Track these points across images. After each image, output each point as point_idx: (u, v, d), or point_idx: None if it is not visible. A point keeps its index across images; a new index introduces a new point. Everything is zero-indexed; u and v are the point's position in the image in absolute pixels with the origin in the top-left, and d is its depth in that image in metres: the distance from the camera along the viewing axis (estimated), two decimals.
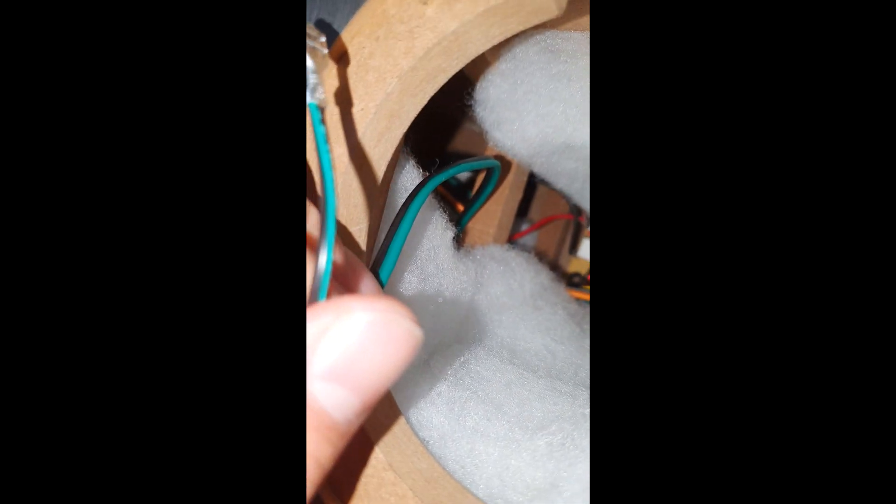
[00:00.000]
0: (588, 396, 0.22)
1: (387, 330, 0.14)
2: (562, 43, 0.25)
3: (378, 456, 0.18)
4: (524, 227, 0.41)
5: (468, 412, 0.21)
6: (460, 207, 0.35)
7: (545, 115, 0.26)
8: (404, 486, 0.17)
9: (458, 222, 0.32)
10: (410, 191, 0.25)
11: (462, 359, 0.24)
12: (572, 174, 0.30)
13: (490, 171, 0.29)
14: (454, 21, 0.17)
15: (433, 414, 0.21)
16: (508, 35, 0.18)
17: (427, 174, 0.25)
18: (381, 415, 0.19)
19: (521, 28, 0.18)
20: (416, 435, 0.20)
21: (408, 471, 0.18)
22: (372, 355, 0.14)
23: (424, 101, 0.19)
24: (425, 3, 0.18)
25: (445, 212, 0.29)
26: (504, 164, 0.31)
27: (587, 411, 0.20)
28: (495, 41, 0.18)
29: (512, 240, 0.38)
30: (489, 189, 0.31)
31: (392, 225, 0.21)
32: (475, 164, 0.28)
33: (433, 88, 0.19)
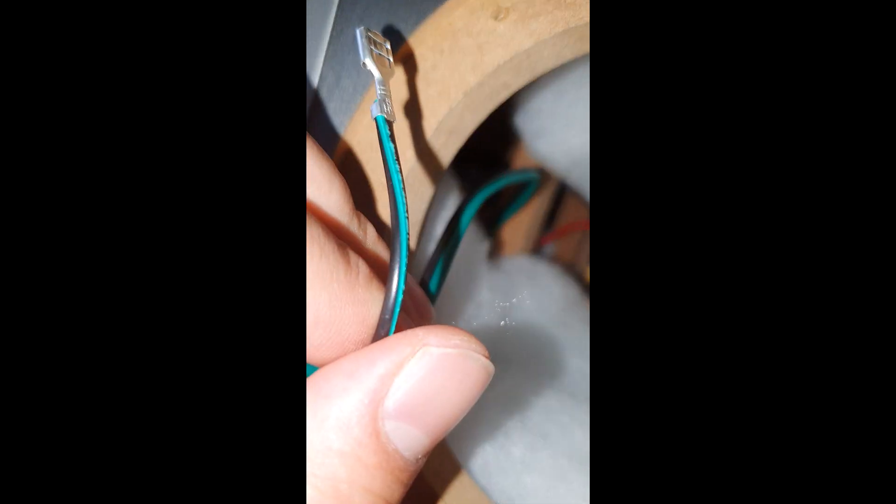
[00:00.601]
0: None
1: (463, 365, 0.13)
2: None
3: (427, 489, 0.17)
4: (545, 232, 0.41)
5: (511, 441, 0.20)
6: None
7: (587, 129, 0.25)
8: None
9: (486, 231, 0.32)
10: (453, 205, 0.24)
11: (499, 381, 0.23)
12: None
13: (526, 185, 0.29)
14: (529, 39, 0.16)
15: (477, 441, 0.20)
16: (579, 55, 0.17)
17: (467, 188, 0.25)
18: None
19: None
20: (463, 465, 0.19)
21: (456, 499, 0.17)
22: (446, 392, 0.13)
23: (484, 117, 0.18)
24: (497, 19, 0.17)
25: (479, 222, 0.28)
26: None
27: None
28: (565, 60, 0.17)
29: (541, 244, 0.37)
30: (523, 201, 0.30)
31: (442, 240, 0.20)
32: (519, 178, 0.27)
33: (494, 105, 0.18)
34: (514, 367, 0.25)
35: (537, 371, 0.25)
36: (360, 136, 0.18)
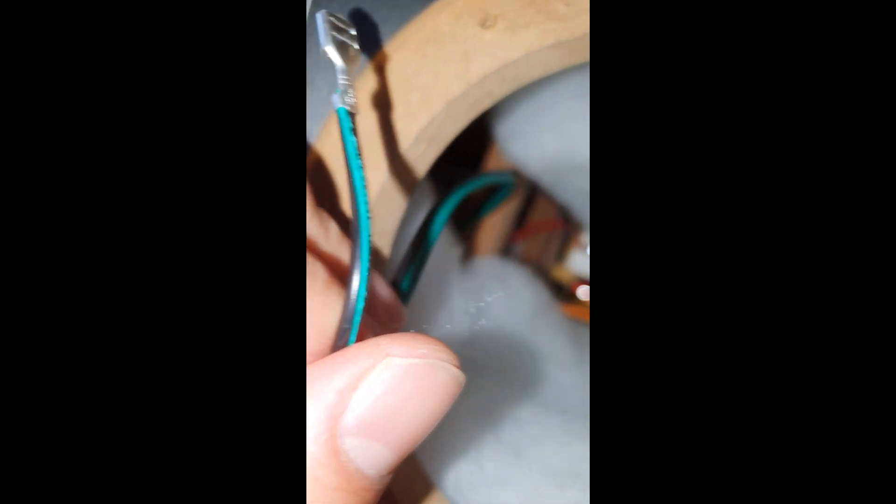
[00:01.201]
0: None
1: (429, 376, 0.12)
2: None
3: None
4: (515, 231, 0.40)
5: (483, 454, 0.20)
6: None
7: (567, 134, 0.25)
8: None
9: (462, 226, 0.31)
10: (427, 206, 0.23)
11: (471, 392, 0.23)
12: (580, 191, 0.30)
13: (500, 189, 0.28)
14: (518, 50, 0.16)
15: (450, 456, 0.20)
16: (567, 67, 0.17)
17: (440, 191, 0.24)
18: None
19: (581, 62, 0.17)
20: (433, 479, 0.19)
21: None
22: (412, 405, 0.12)
23: (465, 125, 0.18)
24: (484, 26, 0.16)
25: (452, 225, 0.27)
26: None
27: None
28: (553, 71, 0.17)
29: (513, 243, 0.37)
30: (496, 204, 0.29)
31: (415, 241, 0.19)
32: (493, 180, 0.27)
33: (476, 113, 0.18)
34: (486, 375, 0.25)
35: (509, 380, 0.25)
36: (335, 135, 0.16)
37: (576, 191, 0.30)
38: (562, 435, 0.21)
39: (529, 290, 0.31)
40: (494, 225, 0.33)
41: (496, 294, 0.28)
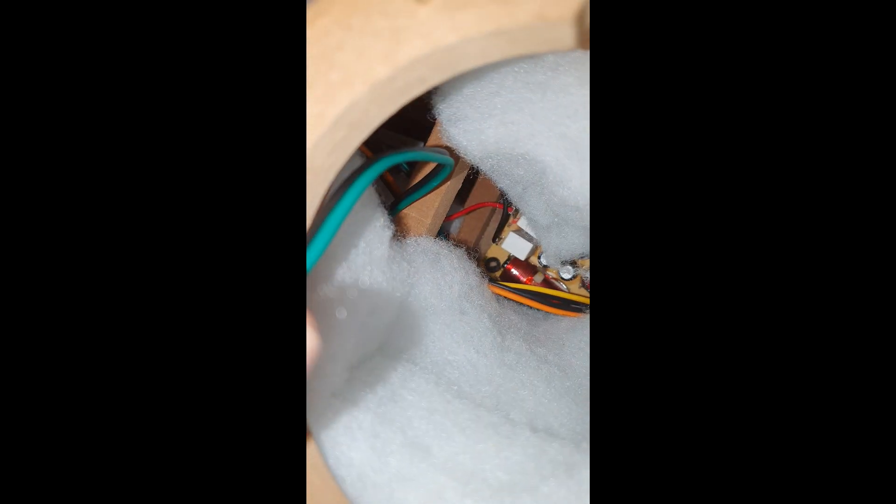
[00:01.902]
0: (512, 432, 0.22)
1: None
2: (546, 52, 0.22)
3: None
4: (456, 209, 0.40)
5: (390, 449, 0.19)
6: (398, 190, 0.32)
7: (509, 124, 0.24)
8: None
9: (391, 209, 0.30)
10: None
11: (385, 380, 0.22)
12: (517, 179, 0.29)
13: (437, 170, 0.27)
14: (453, 34, 0.14)
15: (351, 450, 0.19)
16: (507, 57, 0.15)
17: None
18: None
19: (525, 53, 0.15)
20: (333, 472, 0.18)
21: None
22: None
23: (393, 112, 0.16)
24: (420, 1, 0.14)
25: (385, 205, 0.26)
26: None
27: (514, 457, 0.20)
28: (491, 61, 0.15)
29: (445, 220, 0.36)
30: (434, 185, 0.28)
31: (330, 201, 0.18)
32: (429, 157, 0.25)
33: (406, 99, 0.16)
34: (400, 362, 0.24)
35: (423, 366, 0.24)
36: None
37: (513, 179, 0.29)
38: (472, 430, 0.21)
39: (460, 272, 0.30)
40: (433, 203, 0.32)
41: (425, 275, 0.28)
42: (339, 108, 0.15)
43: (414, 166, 0.33)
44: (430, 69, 0.15)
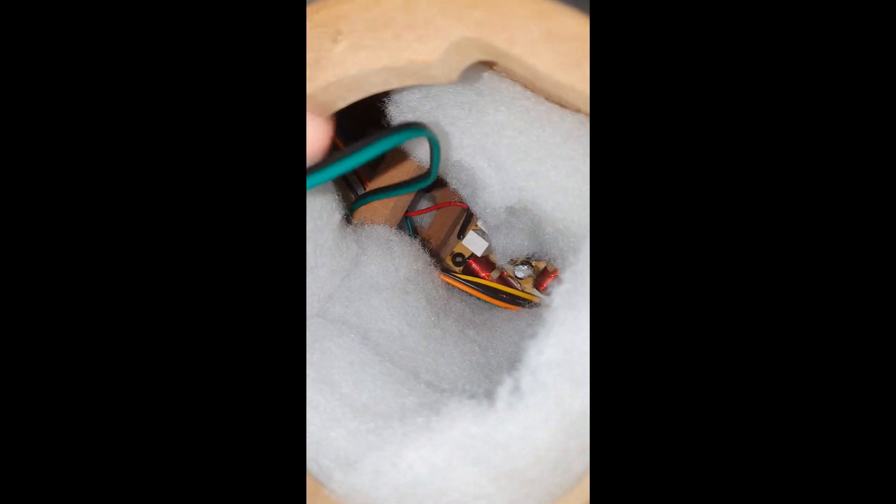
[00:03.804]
0: (414, 385, 0.26)
1: None
2: (475, 77, 0.27)
3: None
4: (424, 204, 0.44)
5: (308, 383, 0.24)
6: (368, 184, 0.37)
7: (444, 134, 0.28)
8: None
9: (355, 202, 0.35)
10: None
11: (315, 336, 0.27)
12: (464, 182, 0.34)
13: (417, 179, 0.30)
14: (355, 67, 0.19)
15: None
16: (406, 85, 0.20)
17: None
18: None
19: (417, 83, 0.20)
20: None
21: None
22: None
23: (329, 114, 0.21)
24: (335, 41, 0.19)
25: (339, 194, 0.31)
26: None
27: (405, 401, 0.24)
28: (394, 86, 0.20)
29: (408, 215, 0.41)
30: (407, 191, 0.32)
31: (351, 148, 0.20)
32: (415, 133, 0.27)
33: (330, 111, 0.21)
34: (338, 326, 0.29)
35: (357, 329, 0.29)
36: None
37: (461, 182, 0.34)
38: (380, 378, 0.26)
39: (408, 257, 0.35)
40: (391, 199, 0.37)
41: (373, 254, 0.32)
42: None
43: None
44: (344, 90, 0.20)
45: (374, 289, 0.32)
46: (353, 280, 0.31)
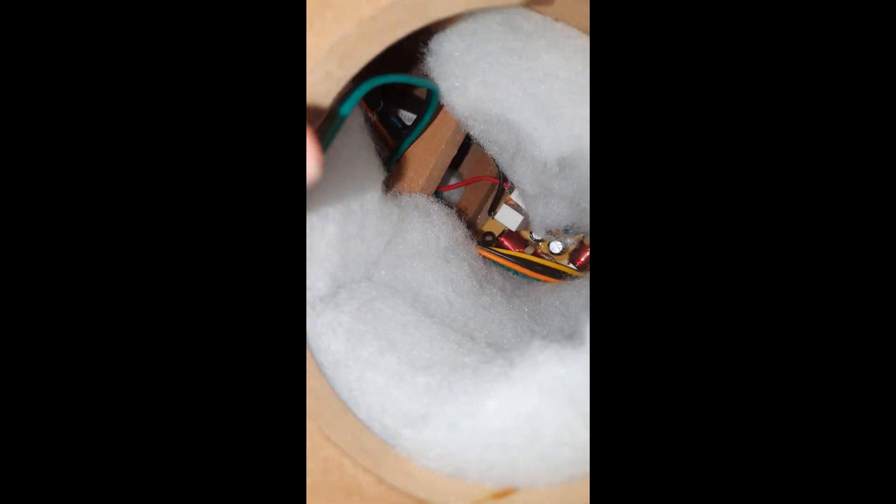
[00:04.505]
0: (473, 345, 0.25)
1: None
2: (522, 21, 0.26)
3: None
4: (453, 181, 0.43)
5: (364, 344, 0.23)
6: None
7: (489, 84, 0.27)
8: None
9: (392, 155, 0.33)
10: (349, 130, 0.26)
11: (367, 296, 0.25)
12: (503, 145, 0.32)
13: (428, 98, 0.29)
14: None
15: (332, 342, 0.23)
16: (471, 8, 0.19)
17: (372, 112, 0.26)
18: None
19: (484, 5, 0.19)
20: (314, 357, 0.22)
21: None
22: None
23: (381, 49, 0.20)
24: None
25: (381, 154, 0.30)
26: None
27: (466, 359, 0.23)
28: (458, 10, 0.19)
29: (439, 191, 0.39)
30: (425, 120, 0.31)
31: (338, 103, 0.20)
32: (414, 81, 0.27)
33: (391, 39, 0.20)
34: (382, 288, 0.28)
35: (405, 294, 0.28)
36: None
37: (500, 146, 0.33)
38: (437, 339, 0.25)
39: (448, 227, 0.33)
40: (427, 167, 0.36)
41: (414, 223, 0.31)
42: (331, 40, 0.19)
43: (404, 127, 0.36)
44: (407, 13, 0.19)
45: (416, 256, 0.31)
46: (396, 246, 0.30)
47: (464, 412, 0.18)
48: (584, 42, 0.25)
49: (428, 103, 0.29)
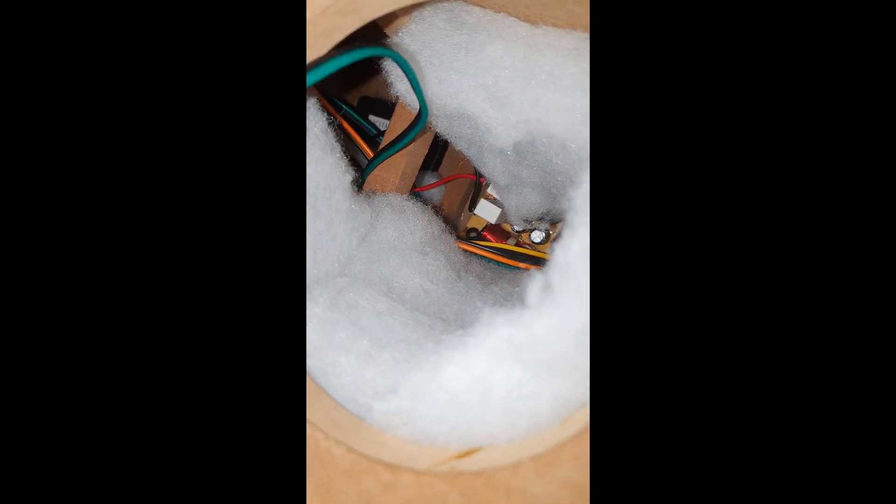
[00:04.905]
0: (444, 327, 0.26)
1: None
2: (465, 16, 0.27)
3: None
4: (431, 180, 0.44)
5: (337, 331, 0.24)
6: (370, 153, 0.37)
7: (442, 80, 0.29)
8: None
9: (366, 168, 0.35)
10: (310, 133, 0.27)
11: (339, 288, 0.27)
12: (468, 140, 0.34)
13: (417, 116, 0.30)
14: None
15: (309, 331, 0.24)
16: (401, 6, 0.21)
17: (332, 118, 0.27)
18: None
19: (411, 2, 0.21)
20: None
21: None
22: None
23: (322, 53, 0.21)
24: None
25: (348, 156, 0.31)
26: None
27: (430, 345, 0.24)
28: (389, 9, 0.21)
29: (416, 191, 0.41)
30: (412, 135, 0.32)
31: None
32: (378, 52, 0.25)
33: (331, 43, 0.21)
34: (359, 281, 0.29)
35: (379, 285, 0.29)
36: None
37: (467, 141, 0.34)
38: (409, 323, 0.26)
39: (423, 222, 0.35)
40: (399, 167, 0.37)
41: (388, 219, 0.32)
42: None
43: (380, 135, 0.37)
44: (340, 16, 0.20)
45: (392, 250, 0.32)
46: (371, 243, 0.31)
47: (426, 379, 0.20)
48: (523, 30, 0.26)
49: (417, 119, 0.29)
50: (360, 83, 0.42)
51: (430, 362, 0.20)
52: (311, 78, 0.19)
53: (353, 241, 0.30)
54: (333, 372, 0.23)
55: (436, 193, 0.45)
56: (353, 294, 0.27)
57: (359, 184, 0.33)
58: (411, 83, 0.25)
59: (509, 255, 0.40)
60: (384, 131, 0.40)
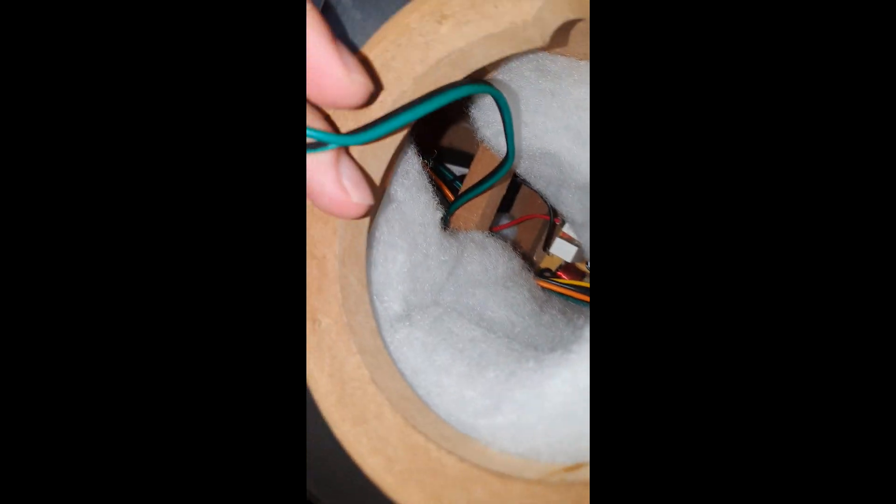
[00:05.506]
0: (536, 353, 0.27)
1: None
2: (549, 64, 0.30)
3: (364, 372, 0.23)
4: (504, 221, 0.46)
5: (438, 354, 0.25)
6: (450, 196, 0.40)
7: (528, 124, 0.31)
8: (382, 398, 0.22)
9: (449, 207, 0.37)
10: (409, 174, 0.30)
11: (437, 314, 0.28)
12: (548, 178, 0.36)
13: (504, 160, 0.31)
14: (462, 40, 0.22)
15: (409, 353, 0.26)
16: (504, 56, 0.23)
17: (425, 162, 0.30)
18: (369, 345, 0.24)
19: (514, 51, 0.23)
20: (397, 366, 0.25)
21: (386, 387, 0.23)
22: None
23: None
24: (440, 23, 0.22)
25: (437, 196, 0.34)
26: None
27: (531, 364, 0.25)
28: (493, 59, 0.23)
29: (492, 231, 0.43)
30: (499, 175, 0.34)
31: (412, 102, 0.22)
32: (491, 91, 0.26)
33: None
34: (453, 311, 0.30)
35: (470, 315, 0.31)
36: None
37: (546, 180, 0.36)
38: (503, 350, 0.27)
39: (505, 258, 0.36)
40: (479, 208, 0.39)
41: (473, 255, 0.34)
42: (393, 95, 0.23)
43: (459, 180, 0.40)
44: (451, 67, 0.23)
45: (478, 284, 0.34)
46: (458, 276, 0.33)
47: (530, 394, 0.20)
48: None
49: (503, 162, 0.31)
50: (444, 131, 0.46)
51: (533, 379, 0.21)
52: (424, 109, 0.21)
53: (443, 273, 0.32)
54: (437, 391, 0.24)
55: (508, 234, 0.47)
56: (448, 321, 0.28)
57: (445, 221, 0.36)
58: (504, 123, 0.27)
59: (587, 291, 0.41)
60: (459, 176, 0.42)
